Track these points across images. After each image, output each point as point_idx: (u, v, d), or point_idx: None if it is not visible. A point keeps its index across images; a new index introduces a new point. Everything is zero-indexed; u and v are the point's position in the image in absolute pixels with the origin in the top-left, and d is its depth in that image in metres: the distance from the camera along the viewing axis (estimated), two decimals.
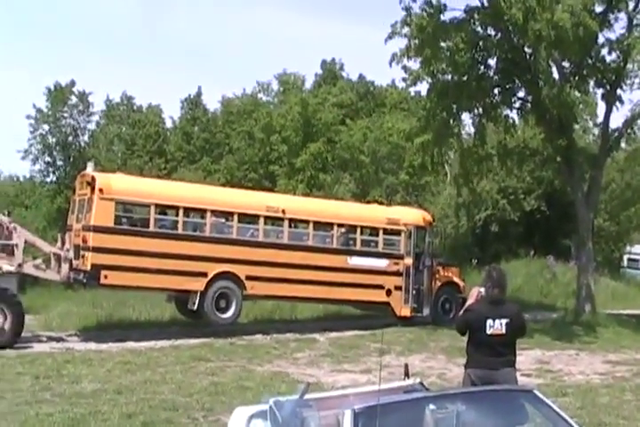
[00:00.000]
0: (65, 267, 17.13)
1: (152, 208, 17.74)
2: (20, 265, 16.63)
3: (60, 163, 39.87)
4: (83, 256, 17.10)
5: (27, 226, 18.29)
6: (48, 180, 40.45)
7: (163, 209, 18.28)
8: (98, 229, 17.08)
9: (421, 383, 6.54)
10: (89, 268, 16.93)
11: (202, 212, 18.54)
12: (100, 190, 17.20)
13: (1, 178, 44.70)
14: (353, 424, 5.09)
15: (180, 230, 17.95)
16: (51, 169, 40.18)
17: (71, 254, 17.13)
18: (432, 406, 5.41)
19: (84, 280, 17.41)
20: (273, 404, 5.69)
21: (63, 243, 17.63)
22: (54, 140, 39.29)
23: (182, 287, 17.96)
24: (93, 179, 17.60)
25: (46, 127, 39.10)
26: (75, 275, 17.33)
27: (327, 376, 13.22)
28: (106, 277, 16.97)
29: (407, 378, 6.65)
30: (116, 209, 17.58)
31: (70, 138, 39.58)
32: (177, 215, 18.10)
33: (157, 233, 17.63)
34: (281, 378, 12.86)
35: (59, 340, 17.25)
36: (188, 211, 18.39)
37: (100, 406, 10.38)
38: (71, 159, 39.44)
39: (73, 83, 39.48)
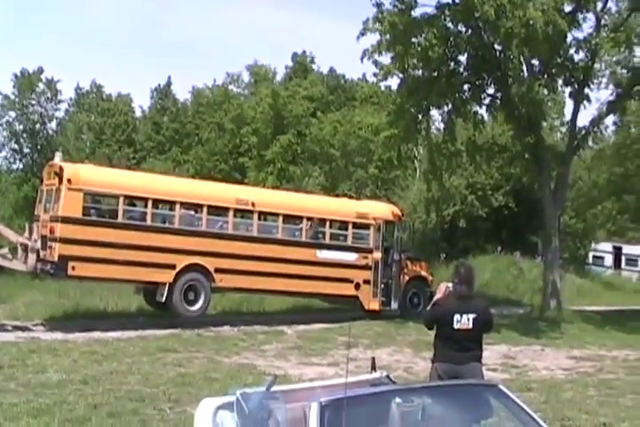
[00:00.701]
0: (32, 257, 16.99)
1: (121, 199, 17.61)
2: None
3: (27, 150, 39.49)
4: (50, 247, 16.95)
5: None
6: (15, 167, 40.04)
7: (131, 200, 18.15)
8: (66, 220, 16.93)
9: (388, 377, 6.58)
10: (56, 259, 16.78)
11: (171, 204, 18.45)
12: (69, 181, 17.04)
13: None
14: (319, 417, 5.10)
15: (148, 222, 17.85)
16: (17, 156, 39.81)
17: (39, 245, 16.99)
18: (398, 400, 5.45)
19: (52, 271, 17.27)
20: (240, 396, 5.68)
21: (31, 233, 17.48)
22: (21, 127, 38.85)
23: (151, 279, 17.88)
24: (61, 169, 17.44)
25: (13, 114, 38.67)
26: (42, 266, 17.20)
27: (294, 369, 13.26)
28: (73, 268, 16.83)
29: (374, 371, 6.69)
30: (85, 200, 17.42)
31: (38, 125, 39.20)
32: (146, 207, 17.98)
33: (126, 224, 17.50)
34: (248, 370, 12.87)
35: (24, 329, 17.10)
36: (157, 202, 18.30)
37: (66, 396, 10.32)
38: (39, 147, 39.09)
39: (41, 70, 39.11)
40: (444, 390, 5.89)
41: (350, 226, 20.54)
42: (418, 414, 5.39)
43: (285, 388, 6.46)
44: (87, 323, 17.60)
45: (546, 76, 22.44)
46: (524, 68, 22.14)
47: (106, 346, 14.75)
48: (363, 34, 21.13)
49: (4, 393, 10.40)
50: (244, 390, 5.76)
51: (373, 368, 6.74)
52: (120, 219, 17.51)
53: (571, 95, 23.55)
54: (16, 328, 17.13)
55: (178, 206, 18.25)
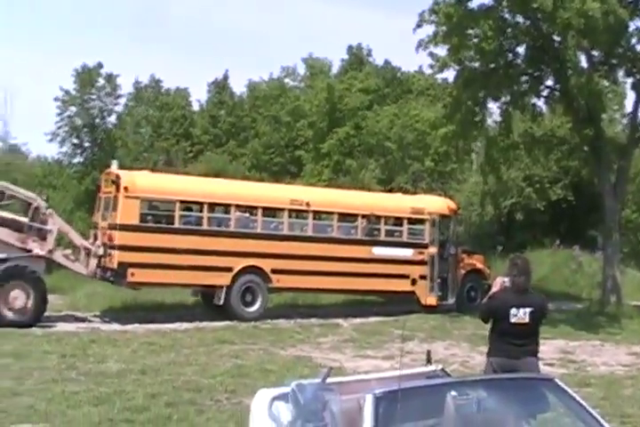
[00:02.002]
0: (94, 262, 17.41)
1: (176, 205, 17.86)
2: (50, 251, 16.91)
3: (87, 144, 40.06)
4: (109, 255, 17.28)
5: (54, 207, 18.46)
6: (75, 161, 40.66)
7: (187, 205, 18.42)
8: (124, 228, 17.25)
9: (443, 370, 6.57)
10: (116, 266, 17.11)
11: (226, 207, 18.65)
12: (125, 189, 17.34)
13: (29, 159, 44.92)
14: (374, 409, 5.12)
15: (204, 226, 18.06)
16: (78, 151, 40.36)
17: (101, 251, 17.34)
18: (453, 393, 5.43)
19: (112, 278, 17.61)
20: (295, 387, 5.72)
21: (95, 238, 17.87)
22: (81, 122, 39.41)
23: (208, 283, 18.09)
24: (118, 177, 17.74)
25: (74, 109, 39.24)
26: (102, 273, 17.56)
27: (350, 362, 13.29)
28: (133, 274, 17.15)
29: (429, 364, 6.68)
30: (141, 207, 17.76)
31: (97, 120, 39.70)
32: (201, 211, 18.22)
33: (182, 229, 17.75)
34: (304, 362, 12.96)
35: (84, 320, 17.50)
36: (212, 206, 18.51)
37: (125, 385, 10.55)
38: (98, 141, 39.62)
39: (100, 65, 39.55)
40: (499, 384, 5.85)
41: (405, 222, 20.50)
42: (473, 408, 5.37)
43: (340, 380, 6.49)
44: (145, 314, 17.93)
45: (606, 66, 22.04)
46: (584, 58, 21.77)
47: (164, 337, 15.01)
48: (419, 26, 21.07)
49: (66, 382, 10.67)
50: (300, 382, 5.80)
51: (429, 361, 6.74)
52: (176, 224, 17.76)
53: (633, 86, 23.06)
54: (77, 319, 17.54)
55: (233, 209, 18.43)
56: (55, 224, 17.13)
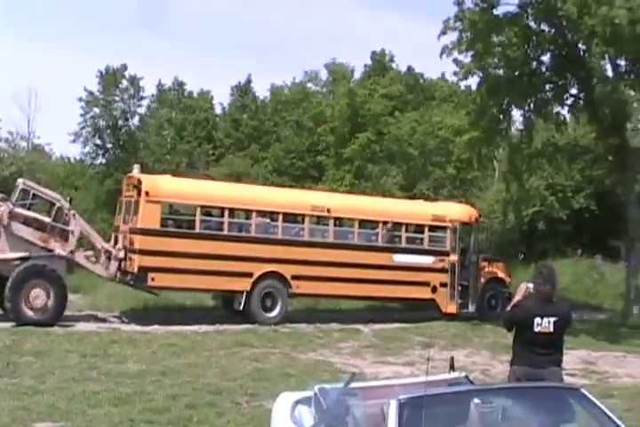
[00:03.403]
0: (114, 265, 17.49)
1: (197, 210, 17.90)
2: (72, 252, 17.02)
3: (109, 146, 40.30)
4: (130, 258, 17.34)
5: (76, 207, 18.56)
6: (97, 162, 40.91)
7: (208, 210, 18.46)
8: (144, 232, 17.30)
9: (467, 377, 6.54)
10: (136, 270, 17.15)
11: (247, 212, 18.67)
12: (147, 193, 17.38)
13: (52, 159, 45.24)
14: (398, 414, 5.09)
15: (225, 231, 18.07)
16: (100, 152, 40.62)
17: (122, 255, 17.41)
18: (477, 400, 5.40)
19: (132, 282, 17.66)
20: (318, 391, 5.72)
21: (116, 242, 17.96)
22: (104, 123, 39.66)
23: (229, 288, 18.11)
24: (140, 181, 17.79)
25: (97, 110, 39.49)
26: (122, 276, 17.62)
27: (370, 367, 13.26)
28: (153, 279, 17.20)
29: (452, 371, 6.65)
30: (162, 211, 17.83)
31: (120, 121, 39.93)
32: (222, 216, 18.24)
33: (203, 234, 17.76)
34: (324, 367, 12.94)
35: (105, 320, 17.58)
36: (233, 211, 18.53)
37: (145, 386, 10.58)
38: (121, 142, 39.85)
39: (124, 67, 39.83)
40: (524, 392, 5.81)
41: (426, 229, 20.43)
42: (497, 415, 5.35)
43: (363, 385, 6.47)
44: (166, 316, 17.98)
45: (632, 75, 21.88)
46: (609, 67, 21.62)
47: (184, 339, 15.04)
48: (444, 33, 20.99)
49: (87, 381, 10.73)
50: (322, 386, 5.80)
51: (452, 368, 6.71)
52: (197, 229, 17.79)
53: None
54: (97, 319, 17.62)
55: (254, 215, 18.43)
56: (77, 226, 17.24)
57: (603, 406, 5.37)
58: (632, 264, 22.41)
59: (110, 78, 39.39)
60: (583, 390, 5.57)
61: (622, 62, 21.88)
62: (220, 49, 70.64)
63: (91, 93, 39.26)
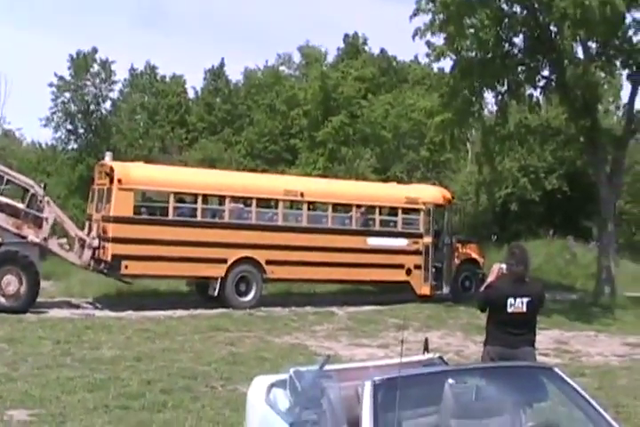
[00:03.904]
0: (87, 253, 17.37)
1: (170, 196, 17.81)
2: (45, 239, 16.85)
3: (81, 131, 39.95)
4: (103, 247, 17.23)
5: (49, 193, 18.38)
6: (69, 147, 40.55)
7: (181, 197, 18.38)
8: (117, 220, 17.19)
9: (441, 358, 6.56)
10: (110, 258, 17.06)
11: (220, 198, 18.63)
12: (119, 181, 17.24)
13: (24, 144, 44.82)
14: (373, 396, 5.10)
15: (199, 218, 18.00)
16: (72, 137, 40.26)
17: (96, 243, 17.29)
18: (451, 381, 5.42)
19: (105, 271, 17.56)
20: (293, 373, 5.71)
21: (90, 230, 17.82)
22: (76, 108, 39.28)
23: (203, 274, 18.08)
24: (112, 169, 17.65)
25: (68, 95, 39.09)
26: (95, 265, 17.51)
27: (345, 350, 13.32)
28: (126, 267, 17.10)
29: (426, 352, 6.67)
30: (135, 199, 17.71)
31: (92, 106, 39.57)
32: (195, 203, 18.14)
33: (177, 221, 17.69)
34: (299, 350, 12.97)
35: (78, 306, 17.48)
36: (206, 198, 18.43)
37: (120, 372, 10.53)
38: (93, 127, 39.51)
39: (95, 50, 39.39)
40: (498, 372, 5.83)
41: (400, 211, 20.48)
42: (471, 395, 5.36)
43: (338, 367, 6.48)
44: (140, 301, 17.89)
45: (603, 57, 21.98)
46: (581, 49, 21.71)
47: (158, 324, 15.00)
48: (415, 14, 20.92)
49: (61, 368, 10.67)
50: (298, 369, 5.79)
51: (426, 349, 6.73)
52: (171, 216, 17.72)
53: (629, 78, 23.03)
54: (71, 305, 17.52)
55: (227, 201, 18.36)
56: (51, 213, 17.08)
57: (576, 385, 5.40)
58: (603, 244, 22.63)
59: (81, 62, 38.96)
60: (556, 370, 5.60)
61: (593, 45, 22.00)
62: (192, 33, 70.23)
63: (61, 78, 38.83)
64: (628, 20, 21.19)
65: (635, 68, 22.12)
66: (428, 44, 21.48)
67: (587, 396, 5.29)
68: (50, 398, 9.02)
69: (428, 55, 22.33)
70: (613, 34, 21.04)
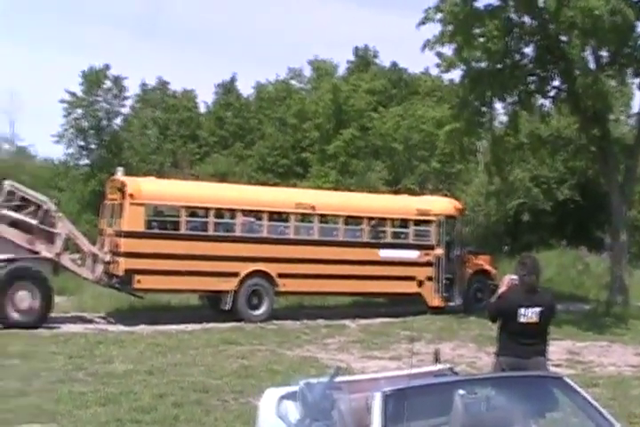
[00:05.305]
0: (99, 268, 17.42)
1: (182, 211, 17.87)
2: (57, 254, 16.91)
3: (93, 146, 40.17)
4: (115, 261, 17.29)
5: (61, 209, 18.48)
6: (81, 163, 40.76)
7: (193, 211, 18.41)
8: (129, 235, 17.23)
9: (451, 369, 6.57)
10: (122, 273, 17.10)
11: (231, 212, 18.62)
12: (131, 196, 17.30)
13: (36, 161, 45.05)
14: (382, 407, 5.10)
15: (210, 231, 18.02)
16: (84, 152, 40.49)
17: (108, 258, 17.37)
18: (461, 391, 5.41)
19: (118, 285, 17.61)
20: (303, 385, 5.72)
21: (102, 245, 17.90)
22: (87, 124, 39.52)
23: (215, 288, 18.06)
24: (123, 184, 17.73)
25: (80, 111, 39.33)
26: (108, 279, 17.58)
27: (357, 362, 13.28)
28: (139, 281, 17.12)
29: (438, 364, 6.67)
30: (147, 213, 17.79)
31: (104, 122, 39.81)
32: (207, 216, 18.19)
33: (188, 235, 17.70)
34: (310, 363, 12.93)
35: (91, 321, 17.53)
36: (217, 211, 18.45)
37: (132, 386, 10.55)
38: (104, 143, 39.72)
39: (107, 67, 39.70)
40: (508, 382, 5.83)
41: (411, 223, 20.47)
42: (481, 406, 5.36)
43: (349, 379, 6.48)
44: (152, 315, 17.91)
45: (613, 67, 21.96)
46: (591, 58, 21.68)
47: (170, 338, 15.00)
48: (423, 23, 20.94)
49: (73, 382, 10.69)
50: (308, 380, 5.80)
51: (437, 360, 6.73)
52: (182, 230, 17.75)
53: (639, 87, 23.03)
54: (83, 320, 17.56)
55: (238, 214, 18.39)
56: (64, 228, 17.17)
57: (585, 394, 5.40)
58: (616, 254, 22.53)
59: (93, 79, 39.25)
60: (566, 379, 5.60)
61: (603, 53, 21.98)
62: (203, 47, 70.60)
63: (73, 94, 39.09)
64: (639, 28, 21.19)
65: None
66: (439, 54, 21.57)
67: (597, 405, 5.28)
68: (63, 412, 9.06)
69: (438, 66, 22.46)
70: (624, 43, 21.01)
